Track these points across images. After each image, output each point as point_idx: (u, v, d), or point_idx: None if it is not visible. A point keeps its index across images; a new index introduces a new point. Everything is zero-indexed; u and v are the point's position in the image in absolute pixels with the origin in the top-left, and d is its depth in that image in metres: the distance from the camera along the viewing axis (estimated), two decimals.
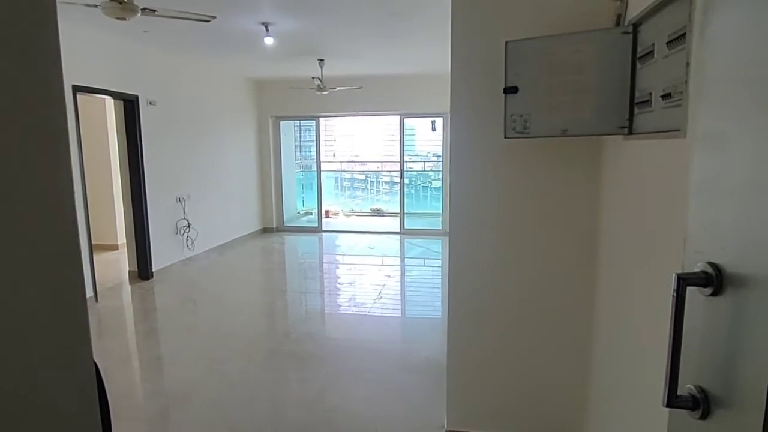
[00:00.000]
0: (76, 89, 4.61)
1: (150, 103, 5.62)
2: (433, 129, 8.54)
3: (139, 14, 2.74)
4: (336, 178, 11.93)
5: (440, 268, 6.48)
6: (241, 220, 7.88)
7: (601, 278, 2.08)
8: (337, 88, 6.77)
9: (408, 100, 7.90)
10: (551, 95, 1.83)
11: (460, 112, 2.22)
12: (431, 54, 6.01)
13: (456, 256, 2.35)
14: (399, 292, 5.45)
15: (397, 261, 6.93)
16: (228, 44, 5.29)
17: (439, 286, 5.64)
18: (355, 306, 4.87)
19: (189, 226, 6.34)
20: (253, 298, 5.18)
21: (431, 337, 3.96)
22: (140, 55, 5.42)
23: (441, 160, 8.26)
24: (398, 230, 8.51)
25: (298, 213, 10.24)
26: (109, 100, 5.79)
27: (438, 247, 7.65)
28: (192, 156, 6.46)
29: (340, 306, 4.93)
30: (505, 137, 1.98)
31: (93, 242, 7.14)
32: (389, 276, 5.93)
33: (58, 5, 0.73)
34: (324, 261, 7.04)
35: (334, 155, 11.23)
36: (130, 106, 5.42)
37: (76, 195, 3.97)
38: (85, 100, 5.87)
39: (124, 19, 2.72)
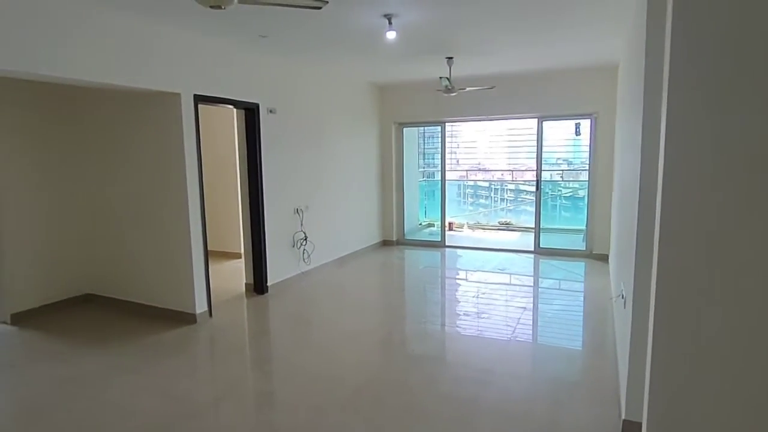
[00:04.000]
0: (198, 99, 4.49)
1: (270, 111, 5.41)
2: (578, 133, 7.34)
3: (235, 2, 2.29)
4: (459, 186, 11.16)
5: (583, 297, 5.37)
6: (360, 233, 7.48)
7: None
8: (467, 89, 6.01)
9: (548, 101, 6.85)
10: None
11: (689, 105, 1.32)
12: (589, 45, 5.01)
13: (682, 296, 1.46)
14: (534, 325, 4.51)
15: (535, 286, 5.92)
16: (347, 44, 4.85)
17: (583, 319, 4.57)
18: (485, 343, 4.05)
19: (306, 239, 6.05)
20: (369, 324, 4.63)
21: (587, 387, 3.01)
22: (260, 62, 5.22)
23: (587, 167, 7.04)
24: (532, 249, 7.44)
25: (420, 225, 9.64)
26: (234, 110, 5.72)
27: (581, 270, 6.48)
28: (311, 165, 6.19)
29: (466, 340, 4.15)
30: None
31: (219, 249, 7.31)
32: (524, 308, 4.99)
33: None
34: (447, 283, 6.30)
35: (457, 162, 10.49)
36: (250, 115, 5.25)
37: (192, 205, 3.77)
38: (216, 109, 5.89)
39: (220, 8, 2.30)
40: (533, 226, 7.56)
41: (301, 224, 6.00)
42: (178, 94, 4.30)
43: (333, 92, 6.59)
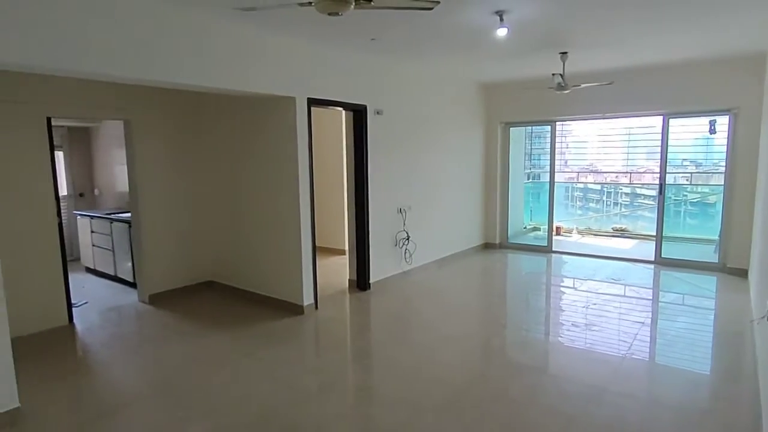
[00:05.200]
0: (311, 102, 4.73)
1: (377, 112, 5.54)
2: (712, 131, 6.56)
3: (352, 6, 2.37)
4: (567, 188, 10.53)
5: (714, 316, 4.78)
6: (462, 234, 7.38)
7: None
8: (582, 86, 5.64)
9: (676, 96, 6.20)
10: None
11: None
12: (731, 33, 4.46)
13: None
14: (654, 343, 4.10)
15: (654, 300, 5.40)
16: (455, 43, 4.79)
17: (713, 340, 4.06)
18: (596, 358, 3.78)
19: (408, 239, 6.11)
20: (468, 328, 4.55)
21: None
22: (368, 65, 5.36)
23: (722, 170, 6.26)
24: (652, 258, 6.80)
25: (525, 228, 9.27)
26: (343, 111, 5.93)
27: (711, 284, 5.79)
28: (415, 166, 6.22)
29: (573, 353, 3.90)
30: None
31: (324, 246, 7.66)
32: (642, 323, 4.57)
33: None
34: (553, 290, 5.98)
35: (565, 163, 9.89)
36: (358, 117, 5.41)
37: (303, 203, 3.97)
38: (324, 110, 6.16)
39: (337, 14, 2.39)
40: (653, 233, 6.90)
41: (404, 224, 6.06)
42: (293, 98, 4.56)
43: (438, 92, 6.57)
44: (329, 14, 2.39)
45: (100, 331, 4.53)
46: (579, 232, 9.37)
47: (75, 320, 4.71)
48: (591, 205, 10.80)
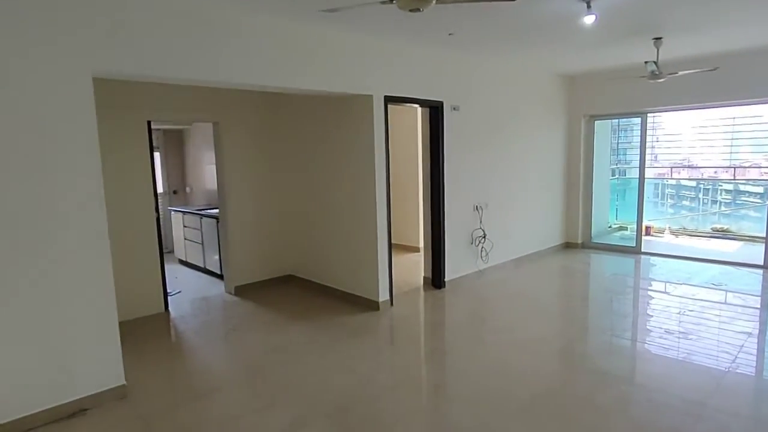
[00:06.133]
0: (387, 100, 4.75)
1: (454, 108, 5.46)
2: None
3: (434, 2, 2.34)
4: (657, 185, 9.78)
5: None
6: (541, 233, 7.10)
7: None
8: (679, 73, 5.19)
9: None
10: None
11: None
12: None
13: None
14: (762, 357, 3.69)
15: (764, 309, 4.86)
16: (536, 35, 4.60)
17: None
18: (693, 370, 3.47)
19: (484, 237, 5.97)
20: (547, 330, 4.36)
21: None
22: (445, 60, 5.28)
23: None
24: (761, 262, 6.14)
25: (610, 227, 8.73)
26: (419, 108, 5.91)
27: None
28: (492, 162, 6.07)
29: (666, 362, 3.61)
30: None
31: (399, 243, 7.69)
32: (748, 333, 4.14)
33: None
34: (641, 294, 5.58)
35: (655, 158, 9.17)
36: (435, 113, 5.37)
37: (380, 200, 4.02)
38: (400, 107, 6.17)
39: (419, 10, 2.37)
40: (762, 234, 6.22)
41: (480, 222, 5.94)
42: (371, 96, 4.61)
43: (517, 86, 6.35)
44: (410, 11, 2.38)
45: (192, 319, 4.87)
46: (672, 233, 8.67)
47: (170, 308, 5.10)
48: (684, 203, 9.97)
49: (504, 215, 6.29)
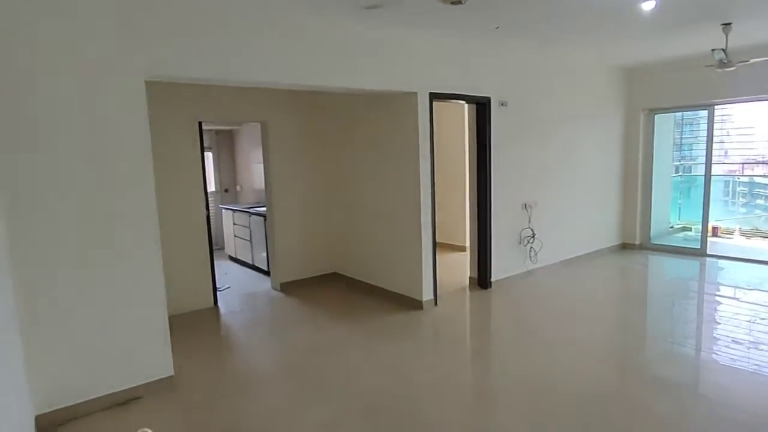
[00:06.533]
0: (433, 96, 4.67)
1: (502, 104, 5.29)
2: None
3: None
4: (726, 183, 9.09)
5: None
6: (595, 233, 6.77)
7: None
8: (751, 61, 4.79)
9: None
10: None
11: None
12: None
13: None
14: None
15: None
16: (590, 25, 4.36)
17: None
18: (765, 382, 3.18)
19: (533, 236, 5.76)
20: (600, 335, 4.14)
21: None
22: (491, 55, 5.12)
23: None
24: None
25: (671, 228, 8.22)
26: (465, 104, 5.78)
27: None
28: (542, 159, 5.84)
29: (733, 373, 3.32)
30: None
31: (444, 241, 7.57)
32: None
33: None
34: (706, 299, 5.20)
35: (725, 154, 8.52)
36: (482, 109, 5.23)
37: (424, 197, 3.93)
38: (449, 103, 6.06)
39: (460, 2, 2.28)
40: None
41: (529, 221, 5.73)
42: (415, 93, 4.54)
43: (569, 79, 6.08)
44: (452, 3, 2.30)
45: (239, 314, 4.99)
46: (743, 234, 8.04)
47: (219, 303, 5.25)
48: (759, 202, 9.22)
49: (555, 214, 6.05)
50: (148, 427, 2.65)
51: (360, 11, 3.69)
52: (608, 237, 7.01)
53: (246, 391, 3.32)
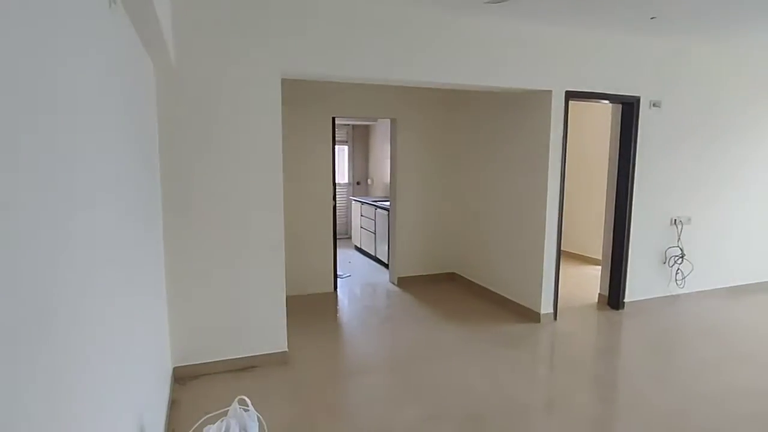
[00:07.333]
0: (569, 95, 4.33)
1: (653, 104, 4.70)
2: None
3: None
4: None
5: None
6: (766, 258, 5.68)
7: None
8: None
9: None
10: None
11: None
12: None
13: None
14: None
15: None
16: (766, 9, 3.64)
17: None
18: None
19: (682, 257, 5.03)
20: (755, 381, 3.46)
21: None
22: (642, 49, 4.56)
23: None
24: None
25: None
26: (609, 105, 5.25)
27: None
28: (700, 168, 5.06)
29: None
30: None
31: (573, 252, 7.00)
32: None
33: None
34: None
35: None
36: (628, 110, 4.70)
37: (551, 204, 3.67)
38: (587, 104, 5.58)
39: None
40: None
41: (678, 238, 5.02)
42: (549, 92, 4.25)
43: (739, 75, 5.12)
44: None
45: (355, 302, 5.19)
46: None
47: (338, 289, 5.52)
48: None
49: (712, 233, 5.20)
50: (259, 394, 2.88)
51: (487, 7, 3.56)
52: None
53: (351, 376, 3.45)
